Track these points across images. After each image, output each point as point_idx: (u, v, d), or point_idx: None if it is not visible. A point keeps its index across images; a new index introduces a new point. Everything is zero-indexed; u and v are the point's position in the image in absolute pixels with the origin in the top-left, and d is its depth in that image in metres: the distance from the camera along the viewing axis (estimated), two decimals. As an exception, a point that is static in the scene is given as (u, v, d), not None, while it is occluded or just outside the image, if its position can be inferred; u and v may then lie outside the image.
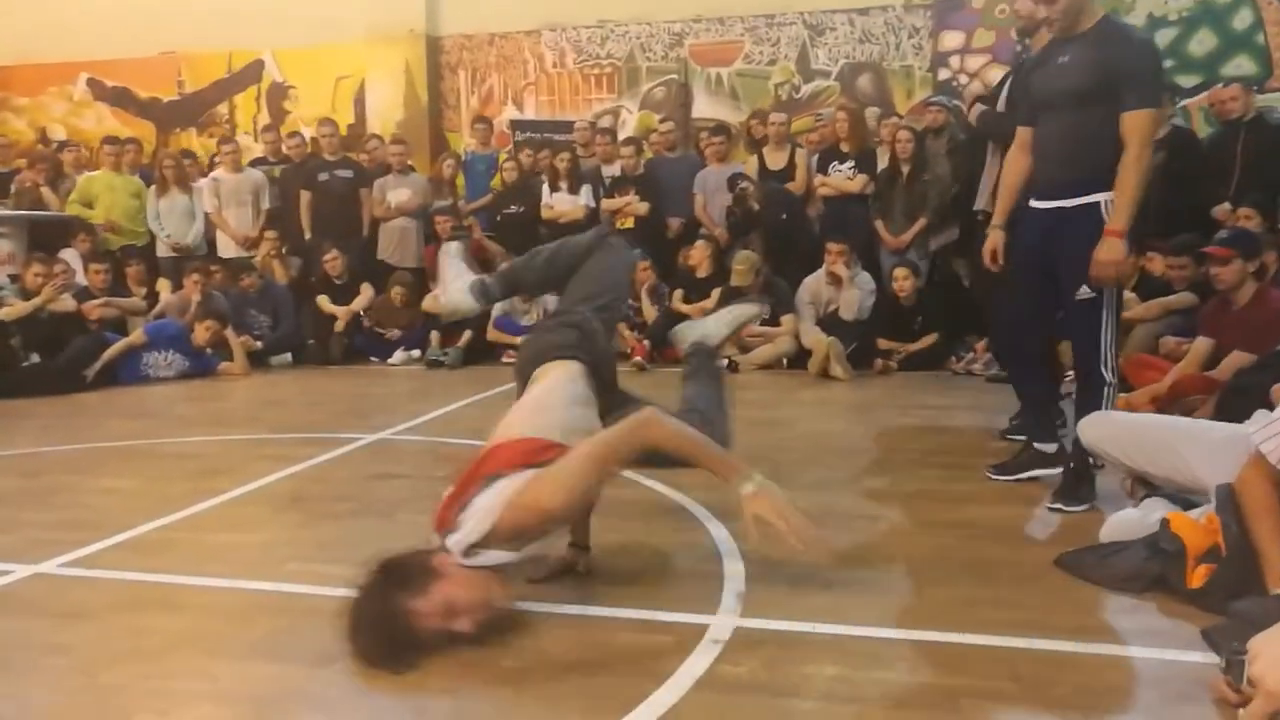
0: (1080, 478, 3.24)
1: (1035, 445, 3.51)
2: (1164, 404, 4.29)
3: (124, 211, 8.30)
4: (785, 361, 6.85)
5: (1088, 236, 3.09)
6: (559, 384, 2.59)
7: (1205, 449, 2.65)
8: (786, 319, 6.93)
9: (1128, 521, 2.69)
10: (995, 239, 3.55)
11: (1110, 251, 3.06)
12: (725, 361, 6.83)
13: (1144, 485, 2.92)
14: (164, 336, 6.91)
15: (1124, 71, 3.02)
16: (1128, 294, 5.77)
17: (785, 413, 5.37)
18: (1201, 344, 4.52)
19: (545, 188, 8.07)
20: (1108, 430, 3.04)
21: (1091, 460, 3.20)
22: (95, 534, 3.17)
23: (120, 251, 8.08)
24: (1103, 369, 3.21)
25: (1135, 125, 3.02)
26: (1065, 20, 3.13)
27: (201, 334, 6.99)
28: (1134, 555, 2.50)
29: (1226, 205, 6.17)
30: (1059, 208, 3.19)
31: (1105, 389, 3.22)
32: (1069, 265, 3.16)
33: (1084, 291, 3.15)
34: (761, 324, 7.01)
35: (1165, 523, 2.48)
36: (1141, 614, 2.40)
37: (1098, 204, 3.10)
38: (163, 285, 7.89)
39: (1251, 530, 2.29)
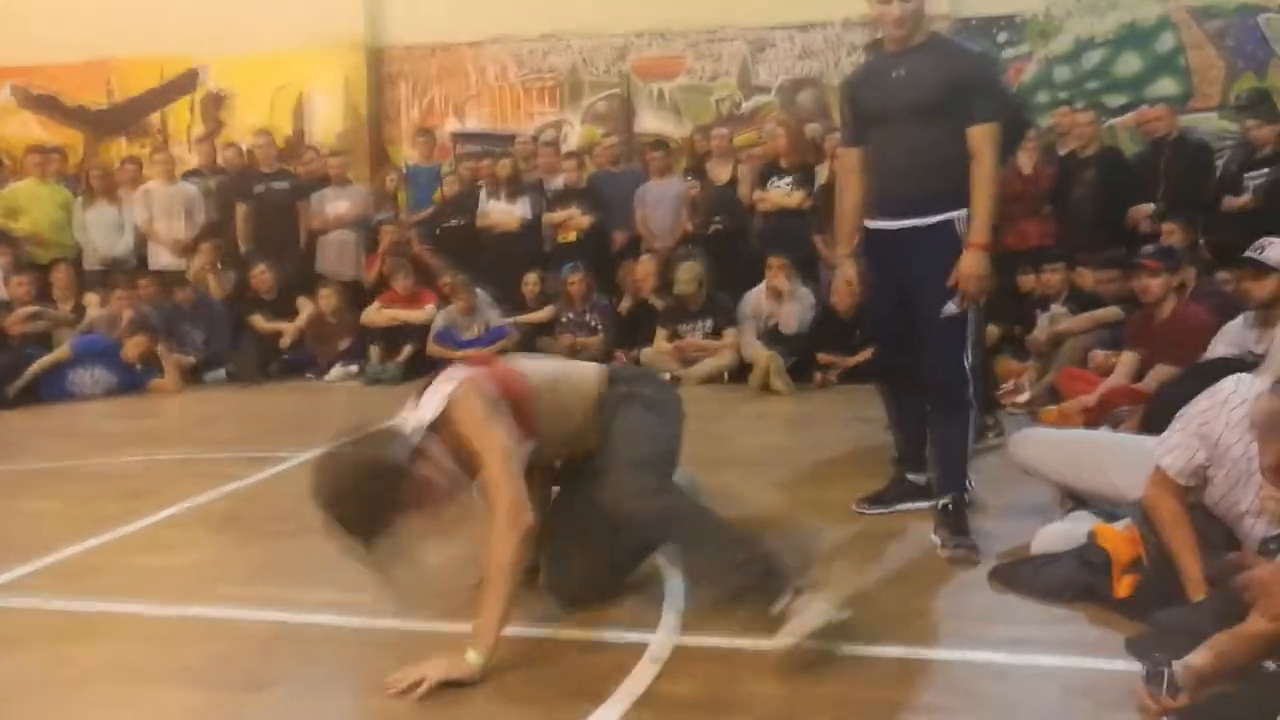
0: (960, 512, 3.07)
1: (908, 476, 3.38)
2: (1094, 416, 4.40)
3: (50, 223, 8.04)
4: (726, 375, 6.89)
5: (943, 254, 2.98)
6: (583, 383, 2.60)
7: (1126, 462, 2.73)
8: (728, 333, 6.97)
9: (1057, 534, 2.75)
10: (849, 269, 3.29)
11: (975, 264, 2.95)
12: (668, 375, 6.85)
13: (1072, 499, 2.99)
14: (91, 352, 6.70)
15: (969, 84, 2.95)
16: (1058, 308, 5.93)
17: (727, 426, 5.40)
18: (1129, 357, 4.65)
19: (482, 194, 7.99)
20: (1035, 448, 3.12)
21: (966, 494, 3.13)
22: (15, 560, 3.06)
23: (48, 264, 7.82)
24: (967, 392, 3.07)
25: (984, 137, 2.94)
26: (914, 25, 2.98)
27: (132, 349, 6.79)
28: (1064, 567, 2.56)
29: (1150, 206, 6.38)
30: (912, 227, 3.03)
31: (970, 413, 3.11)
32: (927, 284, 3.01)
33: (949, 309, 3.00)
34: (703, 337, 7.06)
35: (1092, 535, 2.55)
36: (1073, 624, 2.46)
37: (951, 221, 2.99)
38: (90, 299, 7.64)
39: (1165, 543, 2.37)
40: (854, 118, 3.23)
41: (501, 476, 2.23)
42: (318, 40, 9.45)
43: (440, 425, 2.30)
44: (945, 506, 3.07)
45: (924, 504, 3.28)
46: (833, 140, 7.74)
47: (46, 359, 6.55)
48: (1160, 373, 4.34)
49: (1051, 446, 3.08)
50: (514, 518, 2.21)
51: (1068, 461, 2.97)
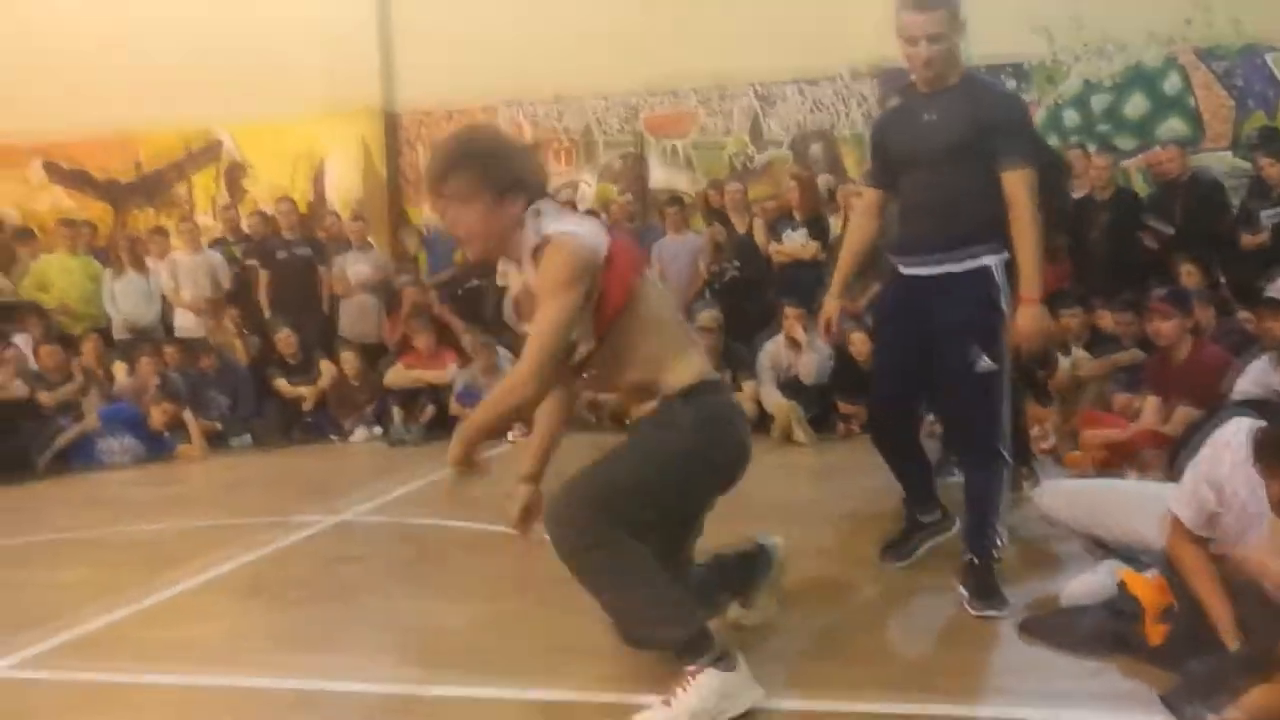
0: (988, 569, 2.97)
1: (920, 517, 3.31)
2: (1118, 460, 4.36)
3: (80, 294, 8.21)
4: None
5: (978, 302, 2.89)
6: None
7: (1150, 511, 2.70)
8: (747, 384, 6.98)
9: (1088, 585, 2.72)
10: (831, 309, 3.31)
11: (1032, 321, 2.86)
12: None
13: (1101, 548, 2.96)
14: (118, 421, 6.78)
15: (997, 126, 2.87)
16: (1078, 351, 5.90)
17: (749, 479, 5.35)
18: (1153, 401, 4.62)
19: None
20: (1058, 500, 3.09)
21: (997, 549, 2.99)
22: (42, 632, 3.07)
23: (77, 334, 7.96)
24: (1001, 447, 2.97)
25: (1018, 184, 2.85)
26: (942, 66, 2.89)
27: (158, 417, 6.88)
28: (1095, 618, 2.53)
29: (1167, 230, 6.38)
30: (945, 274, 2.94)
31: (1004, 468, 3.00)
32: (961, 334, 2.90)
33: (984, 364, 2.89)
34: (723, 389, 7.05)
35: (1122, 584, 2.52)
36: (1106, 677, 2.41)
37: (988, 268, 2.91)
38: (118, 368, 7.76)
39: (1193, 591, 2.34)
40: (881, 160, 3.18)
41: (540, 341, 2.20)
42: (335, 107, 9.68)
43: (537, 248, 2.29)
44: (973, 562, 2.96)
45: (943, 536, 3.27)
46: (845, 191, 7.82)
47: (75, 429, 6.64)
48: (1183, 415, 4.30)
49: (1074, 498, 3.05)
50: (526, 381, 2.21)
51: (1091, 512, 2.94)
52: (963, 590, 2.97)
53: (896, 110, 3.11)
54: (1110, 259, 6.59)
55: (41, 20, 10.14)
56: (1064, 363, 5.90)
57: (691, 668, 2.23)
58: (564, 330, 2.22)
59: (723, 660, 2.25)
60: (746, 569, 2.79)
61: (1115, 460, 4.48)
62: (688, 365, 2.37)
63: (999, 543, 3.01)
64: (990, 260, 2.90)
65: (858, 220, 3.35)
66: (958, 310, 2.91)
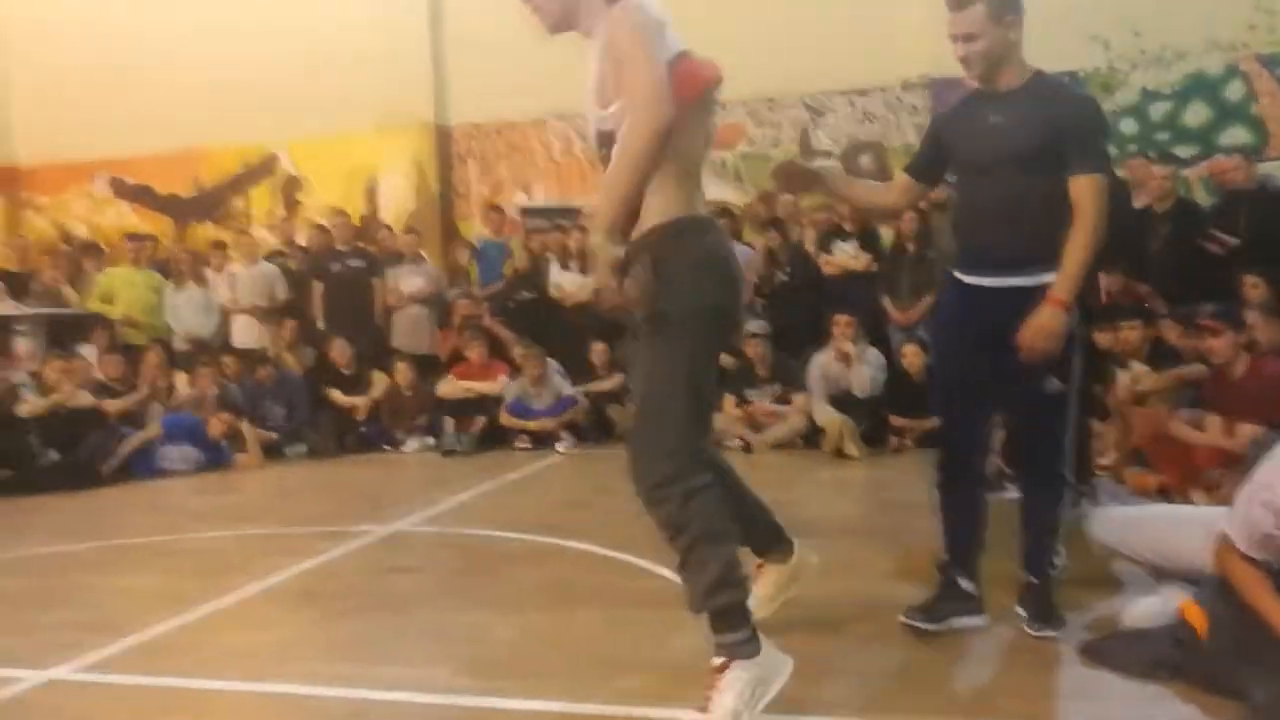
0: (1047, 591, 2.91)
1: (959, 582, 2.95)
2: (1184, 480, 4.26)
3: (143, 306, 8.44)
4: (799, 441, 6.84)
5: None
6: None
7: (1202, 534, 2.63)
8: (798, 398, 6.94)
9: (1148, 609, 2.66)
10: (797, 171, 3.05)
11: (1052, 320, 2.68)
12: (738, 441, 6.83)
13: (1161, 573, 2.89)
14: (180, 430, 6.95)
15: (1070, 132, 2.71)
16: (1138, 366, 5.76)
17: (801, 494, 5.34)
18: (1215, 419, 4.51)
19: (554, 266, 8.15)
20: (1113, 528, 3.02)
21: (1054, 569, 2.93)
22: (109, 636, 3.16)
23: (140, 345, 8.18)
24: (1062, 468, 2.88)
25: (1087, 190, 2.71)
26: (984, 66, 2.77)
27: (217, 426, 7.04)
28: (1155, 644, 2.47)
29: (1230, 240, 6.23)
30: (1015, 287, 2.77)
31: (1064, 489, 2.90)
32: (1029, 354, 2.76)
33: (1052, 385, 2.79)
34: (773, 402, 7.03)
35: (1181, 611, 2.46)
36: (1164, 704, 2.36)
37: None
38: (179, 378, 7.97)
39: (1251, 602, 2.30)
40: (932, 155, 3.01)
41: (646, 64, 2.11)
42: (389, 122, 9.86)
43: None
44: (1031, 583, 2.93)
45: (978, 621, 2.94)
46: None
47: (138, 437, 6.82)
48: (1247, 431, 4.19)
49: (1129, 525, 2.98)
50: (652, 103, 2.08)
51: (1147, 540, 2.88)
52: (1021, 611, 2.92)
53: (960, 110, 2.95)
54: (1172, 271, 6.45)
55: (108, 43, 10.48)
56: (1123, 377, 5.78)
57: (717, 663, 2.22)
58: (661, 64, 2.11)
59: (748, 644, 2.23)
60: (767, 539, 2.82)
61: (1180, 480, 4.38)
62: (686, 198, 2.32)
63: (1057, 563, 2.95)
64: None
65: (885, 190, 3.18)
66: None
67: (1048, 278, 2.72)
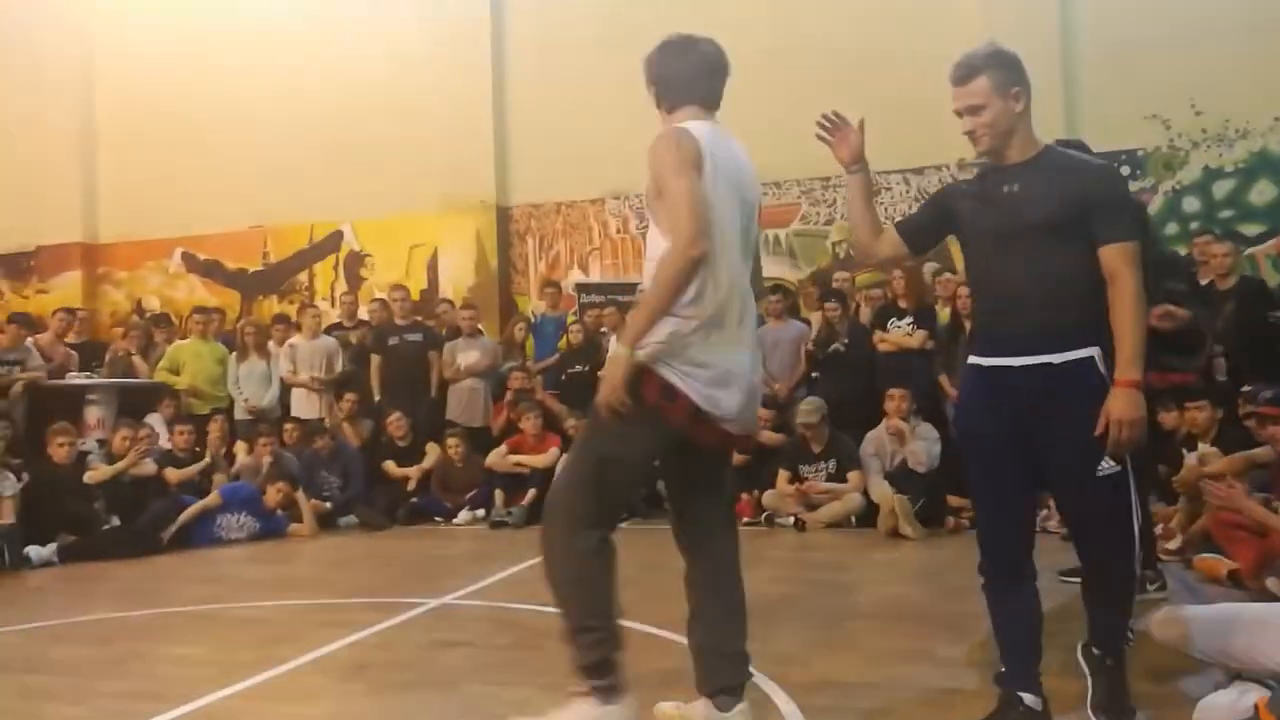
0: (1119, 680, 2.72)
1: (1021, 696, 2.66)
2: (1257, 567, 4.08)
3: (208, 377, 8.67)
4: (854, 519, 6.71)
5: (1089, 398, 2.55)
6: None
7: (1276, 631, 2.50)
8: (853, 475, 6.83)
9: (1221, 706, 2.52)
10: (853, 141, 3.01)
11: (1128, 406, 2.49)
12: (791, 519, 6.73)
13: (1238, 672, 2.74)
14: (238, 499, 7.07)
15: (1096, 200, 2.58)
16: (1206, 448, 5.59)
17: (856, 575, 5.23)
18: (1284, 505, 4.34)
19: (611, 341, 8.21)
20: (1176, 629, 2.84)
21: (1127, 650, 2.73)
22: (162, 705, 3.18)
23: (207, 415, 8.38)
24: (1133, 557, 2.66)
25: (1120, 256, 2.56)
26: (991, 139, 2.67)
27: (273, 495, 7.14)
28: (1233, 741, 2.34)
29: None
30: (1045, 364, 2.59)
31: (1134, 581, 2.73)
32: (1073, 435, 2.56)
33: (1106, 466, 2.56)
34: (827, 479, 6.93)
35: (1255, 709, 2.33)
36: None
37: (1091, 359, 2.58)
38: (239, 447, 8.14)
39: None
40: (932, 221, 2.90)
41: (686, 204, 2.46)
42: (451, 202, 10.14)
43: None
44: (1105, 661, 2.72)
45: None
46: (943, 280, 7.71)
47: (197, 505, 6.94)
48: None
49: (1192, 623, 2.81)
50: (690, 242, 2.43)
51: (1212, 636, 2.72)
52: (1091, 714, 2.71)
53: (971, 183, 2.82)
54: (1238, 349, 6.29)
55: (188, 123, 11.00)
56: (1190, 459, 5.60)
57: (577, 689, 2.52)
58: (701, 196, 2.51)
59: (609, 693, 2.54)
60: (724, 674, 2.71)
61: (1253, 567, 4.20)
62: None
63: (1129, 638, 2.74)
64: (1093, 351, 2.58)
65: (881, 232, 2.94)
66: (1063, 409, 2.56)
67: (1079, 354, 2.57)
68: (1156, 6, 8.27)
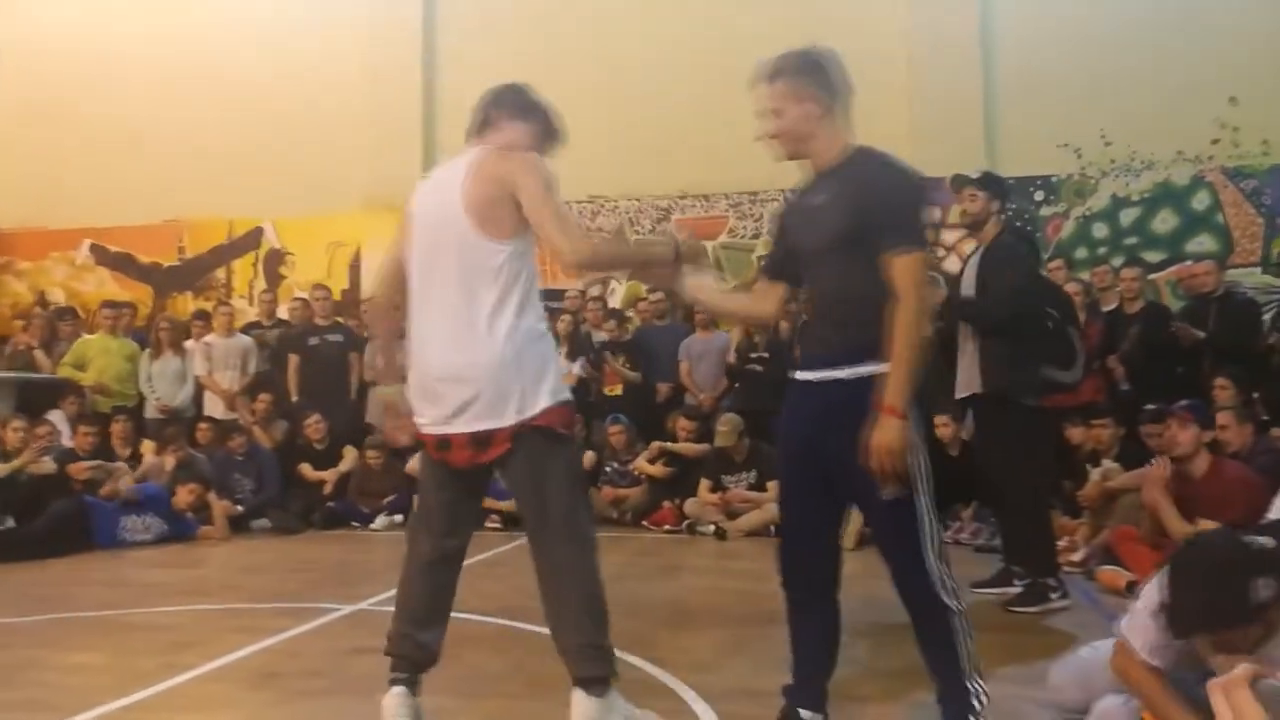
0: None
1: (800, 713, 2.61)
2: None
3: (116, 374, 8.36)
4: (773, 528, 6.78)
5: (869, 416, 2.41)
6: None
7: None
8: (772, 485, 6.91)
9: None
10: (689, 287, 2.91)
11: (885, 434, 2.35)
12: (712, 527, 6.78)
13: None
14: (145, 498, 6.82)
15: (879, 209, 2.45)
16: (1109, 463, 5.82)
17: (776, 584, 5.25)
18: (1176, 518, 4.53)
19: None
20: (1060, 696, 2.80)
21: (974, 716, 2.50)
22: (56, 715, 3.03)
23: (110, 413, 8.08)
24: (939, 591, 2.44)
25: (900, 270, 2.41)
26: (790, 144, 2.62)
27: (184, 497, 6.91)
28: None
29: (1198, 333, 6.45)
30: (835, 380, 2.49)
31: (951, 618, 2.46)
32: (854, 456, 2.40)
33: (888, 490, 2.41)
34: (748, 488, 7.01)
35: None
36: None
37: (877, 376, 2.44)
38: (147, 447, 7.86)
39: (1150, 706, 2.28)
40: (779, 247, 2.82)
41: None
42: (376, 201, 9.97)
43: None
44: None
45: None
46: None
47: (109, 485, 6.66)
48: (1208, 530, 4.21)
49: (1068, 692, 2.79)
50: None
51: (1083, 692, 2.67)
52: None
53: (795, 194, 2.74)
54: (1143, 370, 6.58)
55: (98, 111, 10.62)
56: (1094, 474, 5.83)
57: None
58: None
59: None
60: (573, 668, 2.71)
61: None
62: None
63: (978, 706, 2.46)
64: (881, 368, 2.43)
65: (757, 299, 2.86)
66: (842, 429, 2.42)
67: (865, 369, 2.44)
68: (1070, 41, 8.60)
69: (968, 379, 4.56)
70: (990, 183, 4.67)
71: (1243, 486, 4.29)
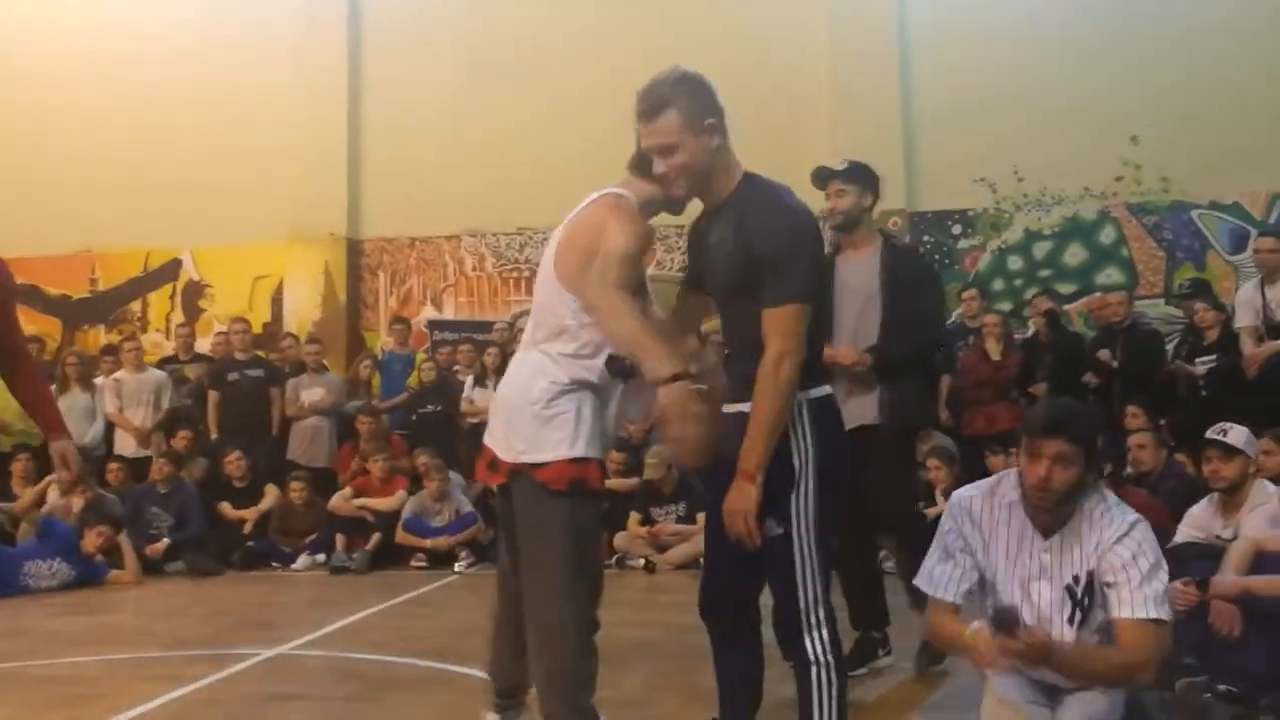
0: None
1: None
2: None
3: (18, 410, 7.97)
4: (702, 560, 6.78)
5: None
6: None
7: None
8: (701, 517, 6.92)
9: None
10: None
11: (736, 499, 2.30)
12: (641, 561, 6.76)
13: None
14: (48, 541, 6.50)
15: (762, 260, 2.34)
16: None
17: (703, 616, 5.26)
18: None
19: (469, 381, 8.06)
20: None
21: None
22: (-53, 777, 2.86)
23: (11, 451, 7.73)
24: (806, 639, 2.35)
25: (771, 325, 2.31)
26: (689, 182, 2.44)
27: (92, 540, 6.60)
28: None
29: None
30: (737, 414, 2.41)
31: (815, 671, 2.35)
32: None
33: (769, 527, 2.33)
34: (677, 521, 7.01)
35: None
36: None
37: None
38: (51, 487, 7.51)
39: (942, 639, 2.62)
40: (694, 267, 2.68)
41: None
42: (299, 233, 9.81)
43: None
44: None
45: None
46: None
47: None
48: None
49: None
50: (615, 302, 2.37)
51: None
52: None
53: (699, 222, 2.62)
54: (1057, 394, 6.79)
55: (4, 134, 10.25)
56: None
57: None
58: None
59: None
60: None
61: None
62: None
63: None
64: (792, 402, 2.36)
65: (688, 308, 2.80)
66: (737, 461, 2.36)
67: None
68: (986, 80, 8.91)
69: (859, 410, 3.75)
70: (859, 174, 3.83)
71: (1146, 512, 4.40)
